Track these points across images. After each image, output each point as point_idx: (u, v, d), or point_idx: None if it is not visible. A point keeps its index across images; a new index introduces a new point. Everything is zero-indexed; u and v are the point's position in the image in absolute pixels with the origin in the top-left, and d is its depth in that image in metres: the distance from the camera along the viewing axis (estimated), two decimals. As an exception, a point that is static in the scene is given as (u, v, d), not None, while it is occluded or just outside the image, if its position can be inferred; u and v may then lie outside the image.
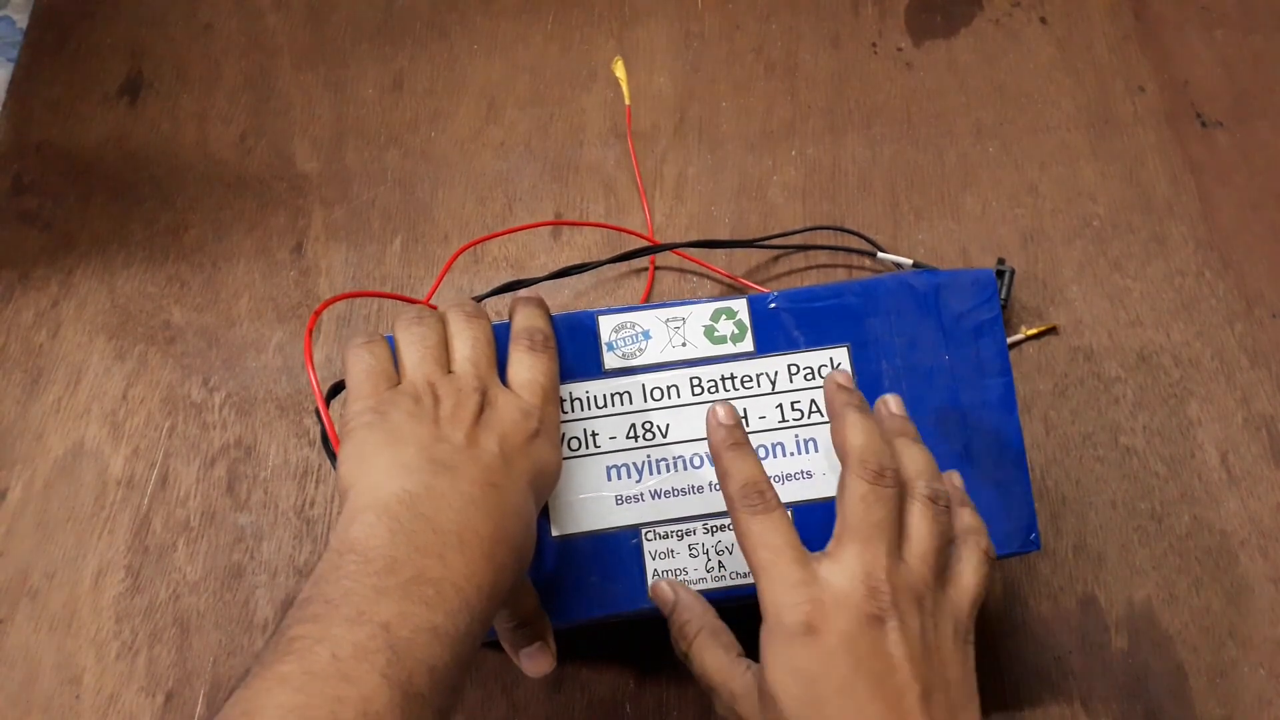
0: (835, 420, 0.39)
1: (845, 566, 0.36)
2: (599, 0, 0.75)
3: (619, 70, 0.68)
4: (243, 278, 0.64)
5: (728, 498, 0.39)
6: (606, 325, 0.46)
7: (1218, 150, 0.68)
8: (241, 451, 0.58)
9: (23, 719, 0.51)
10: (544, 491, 0.41)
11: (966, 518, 0.40)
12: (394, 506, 0.35)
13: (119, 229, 0.65)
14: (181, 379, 0.60)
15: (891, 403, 0.42)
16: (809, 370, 0.45)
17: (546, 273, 0.56)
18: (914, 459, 0.39)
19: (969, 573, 0.38)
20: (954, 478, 0.43)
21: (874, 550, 0.36)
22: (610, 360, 0.45)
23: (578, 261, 0.60)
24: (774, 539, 0.37)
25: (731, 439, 0.39)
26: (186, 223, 0.66)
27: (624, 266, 0.63)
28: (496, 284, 0.54)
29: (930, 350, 0.46)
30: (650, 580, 0.43)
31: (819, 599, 0.35)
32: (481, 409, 0.39)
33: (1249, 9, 0.74)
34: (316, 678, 0.29)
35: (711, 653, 0.40)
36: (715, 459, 0.40)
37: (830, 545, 0.37)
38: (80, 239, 0.65)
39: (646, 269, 0.63)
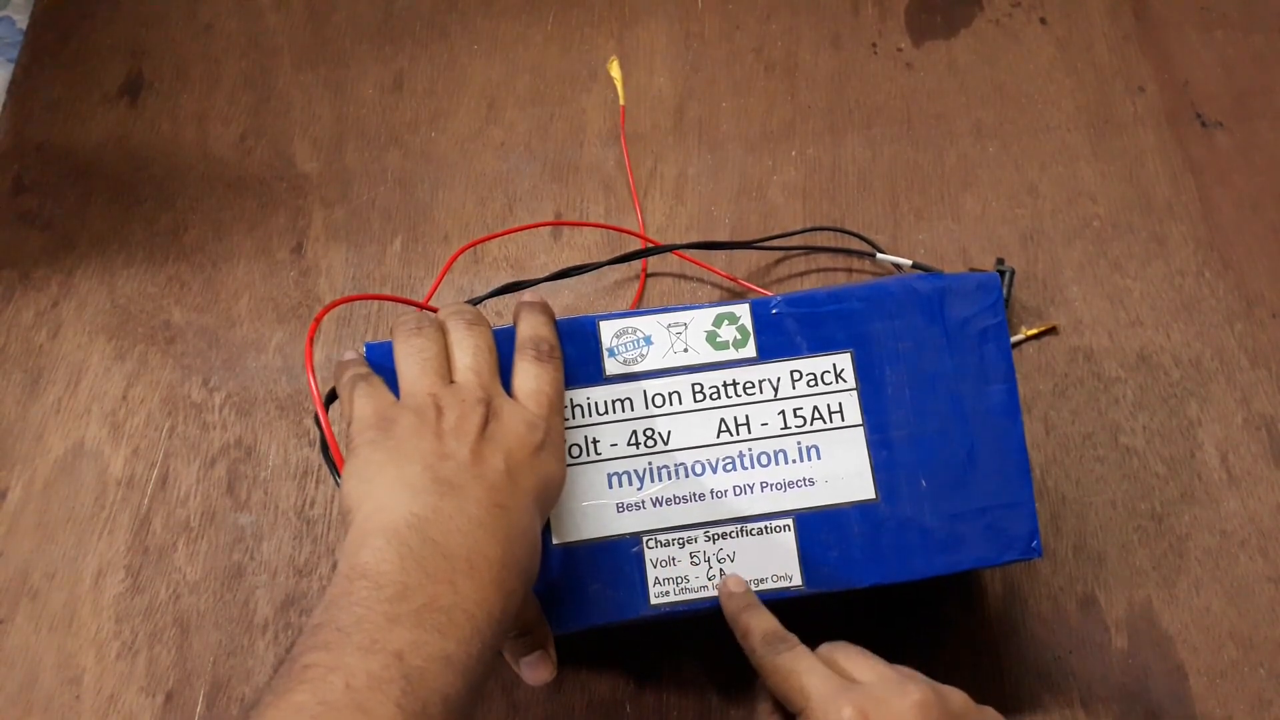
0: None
1: (870, 678, 0.39)
2: (599, 0, 0.75)
3: (614, 70, 0.68)
4: (243, 278, 0.64)
5: (752, 651, 0.41)
6: (608, 330, 0.45)
7: (1218, 150, 0.68)
8: (241, 451, 0.58)
9: (23, 719, 0.51)
10: (548, 506, 0.41)
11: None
12: (402, 530, 0.35)
13: (119, 229, 0.65)
14: (181, 379, 0.60)
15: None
16: (812, 377, 0.45)
17: (547, 273, 0.56)
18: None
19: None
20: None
21: (881, 667, 0.40)
22: (611, 366, 0.45)
23: (578, 262, 0.60)
24: (804, 664, 0.39)
25: (745, 602, 0.42)
26: (186, 223, 0.66)
27: (625, 268, 0.63)
28: (496, 285, 0.54)
29: (934, 356, 0.46)
30: (651, 597, 0.43)
31: (867, 695, 0.38)
32: (486, 421, 0.39)
33: (1249, 9, 0.74)
34: (332, 708, 0.29)
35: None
36: (733, 622, 0.42)
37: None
38: (80, 239, 0.65)
39: (647, 270, 0.63)
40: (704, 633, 0.52)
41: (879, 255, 0.62)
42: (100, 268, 0.64)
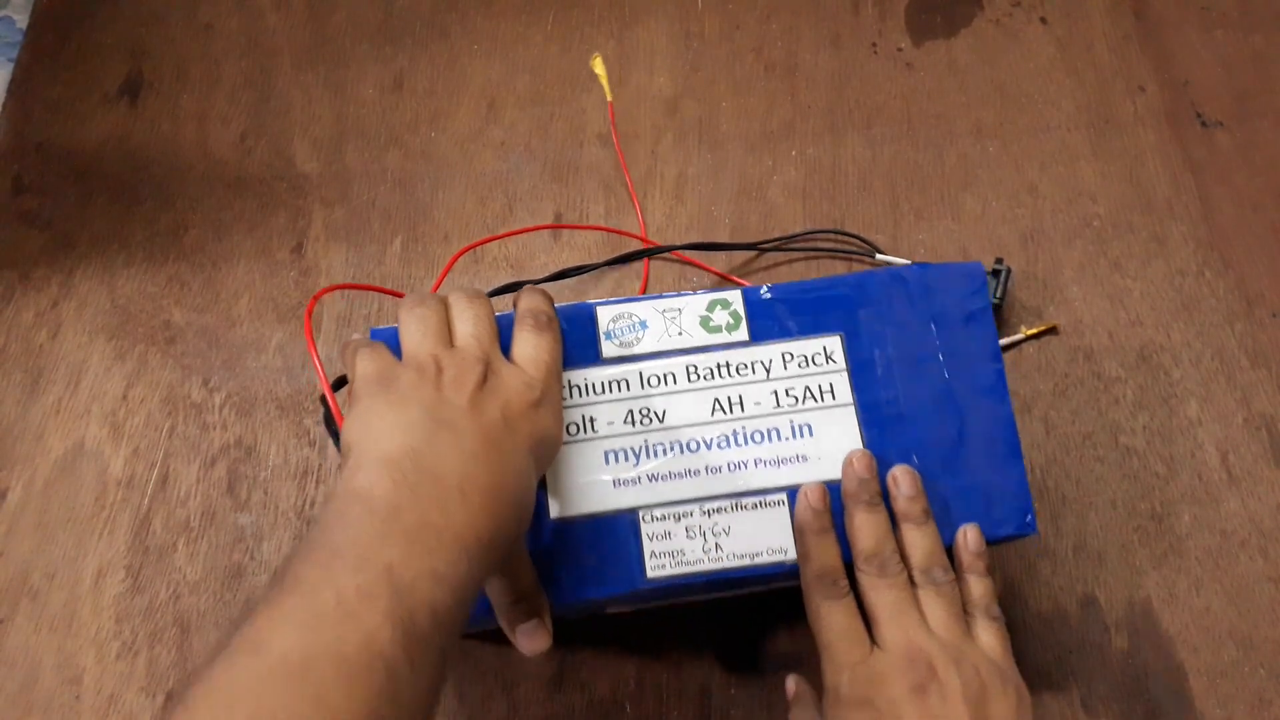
0: (846, 514, 0.44)
1: (886, 644, 0.41)
2: (599, 0, 0.75)
3: (598, 67, 0.67)
4: (243, 278, 0.64)
5: (805, 579, 0.43)
6: (605, 315, 0.46)
7: (1218, 150, 0.68)
8: (241, 451, 0.58)
9: (23, 719, 0.51)
10: (544, 459, 0.42)
11: (975, 588, 0.44)
12: (397, 458, 0.36)
13: (119, 229, 0.65)
14: (181, 379, 0.60)
15: (902, 482, 0.44)
16: (803, 358, 0.46)
17: (546, 273, 0.56)
18: (916, 547, 0.43)
19: (989, 639, 0.43)
20: (968, 537, 0.44)
21: (902, 624, 0.41)
22: (608, 349, 0.46)
23: (577, 263, 0.60)
24: (839, 623, 0.41)
25: (819, 524, 0.43)
26: (186, 223, 0.66)
27: (625, 267, 0.63)
28: (496, 285, 0.54)
29: (921, 339, 0.46)
30: (648, 569, 0.43)
31: (870, 676, 0.40)
32: (485, 378, 0.40)
33: (1249, 9, 0.74)
34: (321, 616, 0.30)
35: None
36: (799, 539, 0.43)
37: (873, 632, 0.42)
38: (80, 239, 0.65)
39: (646, 270, 0.63)
40: (704, 632, 0.52)
41: (878, 256, 0.62)
42: (100, 268, 0.64)
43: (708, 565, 0.43)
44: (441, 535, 0.34)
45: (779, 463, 0.44)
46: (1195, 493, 0.56)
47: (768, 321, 0.47)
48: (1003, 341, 0.60)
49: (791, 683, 0.47)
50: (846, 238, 0.64)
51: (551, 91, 0.71)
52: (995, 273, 0.60)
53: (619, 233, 0.64)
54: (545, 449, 0.41)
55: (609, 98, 0.67)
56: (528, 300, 0.45)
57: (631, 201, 0.66)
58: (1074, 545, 0.55)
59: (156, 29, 0.74)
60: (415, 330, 0.42)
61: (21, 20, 0.75)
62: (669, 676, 0.51)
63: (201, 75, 0.72)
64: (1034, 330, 0.61)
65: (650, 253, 0.60)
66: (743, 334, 0.46)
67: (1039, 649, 0.52)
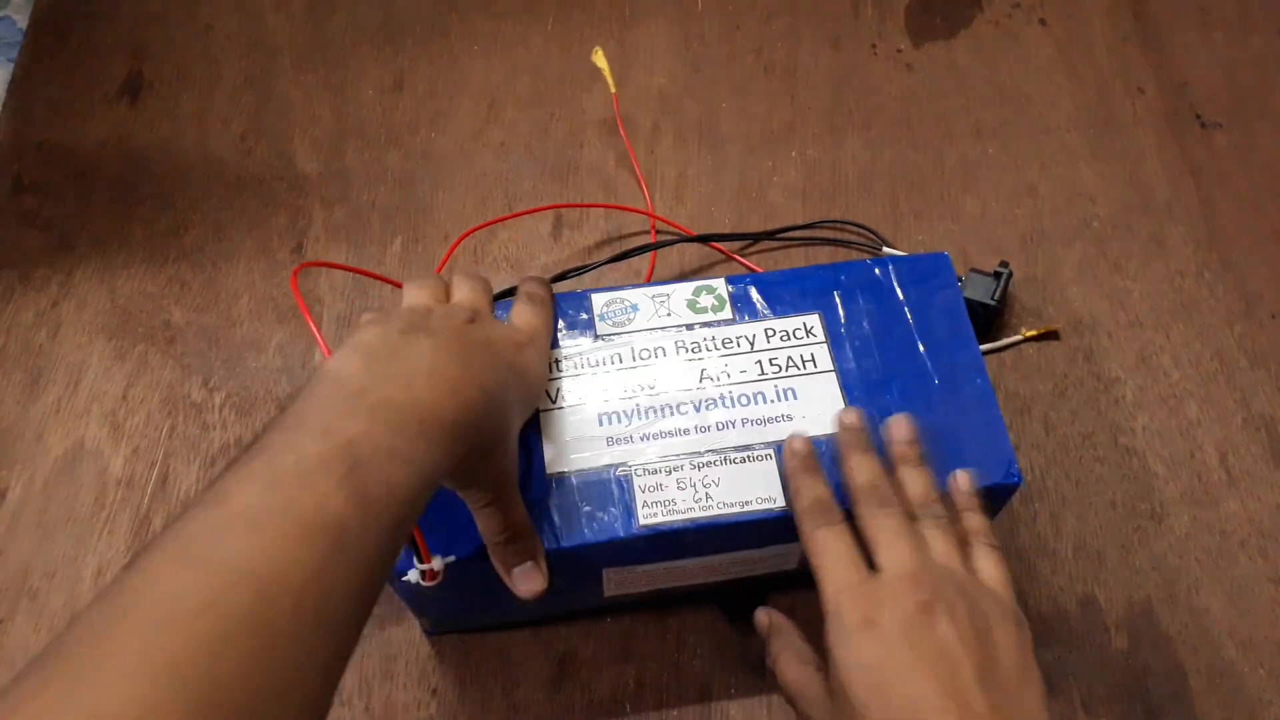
0: (841, 460, 0.44)
1: (888, 566, 0.40)
2: (599, 0, 0.75)
3: (600, 60, 0.67)
4: (243, 278, 0.64)
5: (797, 513, 0.43)
6: (599, 300, 0.50)
7: (1217, 150, 0.68)
8: (241, 451, 0.58)
9: (22, 719, 0.51)
10: (527, 392, 0.43)
11: (971, 522, 0.44)
12: (373, 344, 0.38)
13: (119, 229, 0.65)
14: (181, 379, 0.60)
15: (894, 427, 0.45)
16: (785, 333, 0.49)
17: (548, 275, 0.56)
18: (912, 485, 0.44)
19: (989, 567, 0.42)
20: (959, 479, 0.45)
21: (905, 548, 0.41)
22: (603, 328, 0.49)
23: (577, 263, 0.61)
24: (835, 547, 0.41)
25: (805, 465, 0.44)
26: (186, 223, 0.66)
27: (625, 268, 0.62)
28: (497, 287, 0.54)
29: (896, 315, 0.50)
30: (640, 518, 0.44)
31: (873, 595, 0.39)
32: (473, 320, 0.42)
33: (1249, 10, 0.74)
34: (281, 477, 0.32)
35: (791, 667, 0.44)
36: (789, 479, 0.44)
37: (872, 559, 0.41)
38: (80, 239, 0.65)
39: (646, 269, 0.63)
40: (704, 633, 0.52)
41: (885, 250, 0.63)
42: (100, 268, 0.64)
43: (698, 513, 0.44)
44: (403, 413, 0.35)
45: (764, 422, 0.47)
46: (1195, 493, 0.56)
47: (750, 303, 0.50)
48: (1002, 342, 0.60)
49: (763, 615, 0.47)
50: (855, 229, 0.64)
51: (551, 91, 0.71)
52: (996, 275, 0.60)
53: (628, 209, 0.65)
54: (526, 381, 0.43)
55: (612, 89, 0.67)
56: (527, 285, 0.48)
57: (638, 182, 0.66)
58: (1074, 545, 0.55)
59: (156, 29, 0.74)
60: (415, 292, 0.44)
61: (21, 20, 0.75)
62: (669, 676, 0.51)
63: (201, 75, 0.72)
64: (1034, 331, 0.61)
65: (650, 248, 0.60)
66: (727, 314, 0.50)
67: (1039, 649, 0.52)
